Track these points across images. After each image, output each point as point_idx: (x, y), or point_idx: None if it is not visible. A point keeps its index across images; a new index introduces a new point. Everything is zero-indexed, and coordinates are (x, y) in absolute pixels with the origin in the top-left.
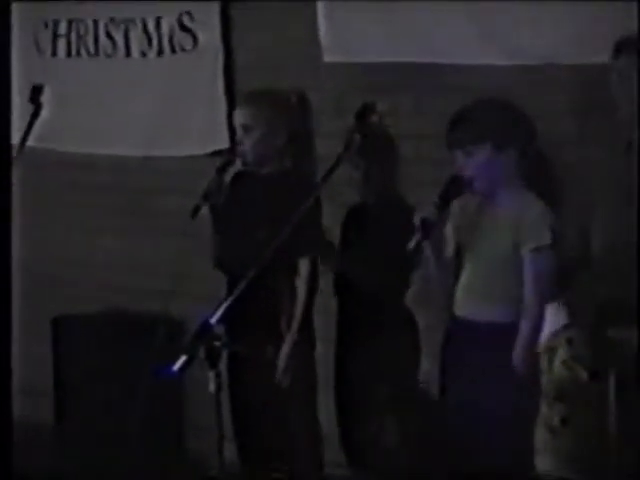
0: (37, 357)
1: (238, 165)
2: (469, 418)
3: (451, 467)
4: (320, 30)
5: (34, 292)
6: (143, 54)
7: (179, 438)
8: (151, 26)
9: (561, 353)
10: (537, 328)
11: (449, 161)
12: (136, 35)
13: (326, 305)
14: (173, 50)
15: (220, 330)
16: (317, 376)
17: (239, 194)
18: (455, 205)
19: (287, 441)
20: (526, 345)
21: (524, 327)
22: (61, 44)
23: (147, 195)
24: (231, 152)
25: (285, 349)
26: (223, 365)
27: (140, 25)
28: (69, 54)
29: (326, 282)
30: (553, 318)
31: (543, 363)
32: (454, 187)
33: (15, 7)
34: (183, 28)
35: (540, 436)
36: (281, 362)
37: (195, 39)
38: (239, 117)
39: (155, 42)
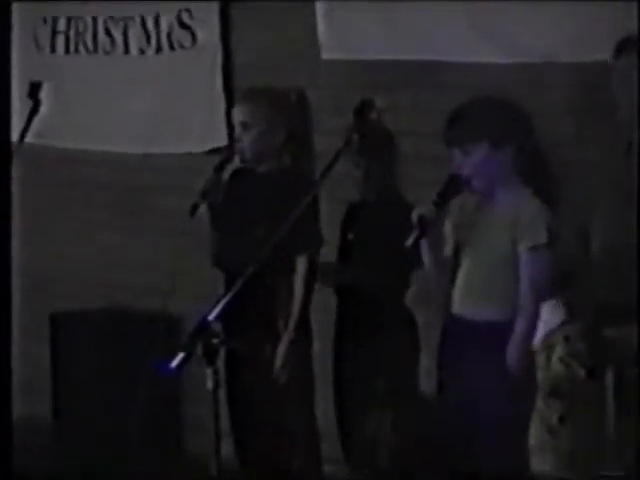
0: (35, 354)
1: (236, 163)
2: (466, 417)
3: (448, 465)
4: (319, 27)
5: (32, 289)
6: (142, 51)
7: (177, 435)
8: (150, 23)
9: (558, 350)
10: (532, 327)
11: (448, 159)
12: (135, 32)
13: (325, 303)
14: (172, 47)
15: (218, 327)
16: (314, 374)
17: (237, 192)
18: (454, 203)
19: (285, 438)
20: (521, 344)
21: (519, 326)
22: (60, 41)
23: (145, 192)
24: (229, 149)
25: (282, 347)
26: (221, 362)
27: (139, 22)
28: (68, 51)
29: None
30: (550, 316)
31: (540, 361)
32: (452, 186)
33: (15, 4)
34: (182, 25)
35: (538, 435)
36: (278, 360)
37: (194, 36)
38: (238, 115)
39: (154, 39)
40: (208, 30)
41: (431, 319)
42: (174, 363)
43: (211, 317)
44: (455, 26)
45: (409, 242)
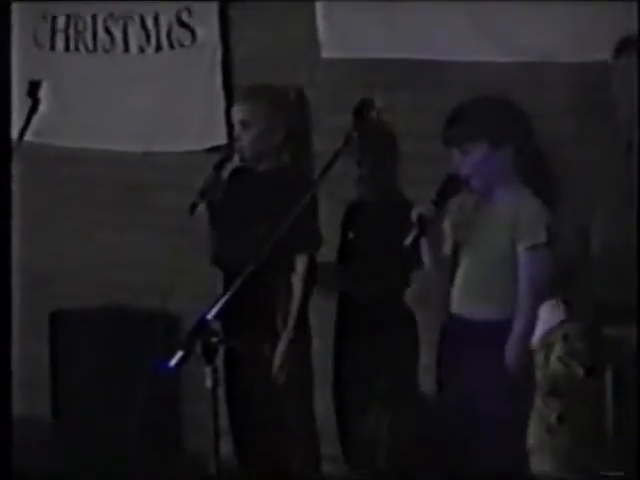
0: (34, 352)
1: (236, 161)
2: (465, 416)
3: (447, 465)
4: (319, 26)
5: (32, 287)
6: (141, 50)
7: (176, 434)
8: (150, 22)
9: (557, 349)
10: (530, 326)
11: (447, 158)
12: (134, 30)
13: (324, 302)
14: (171, 46)
15: (217, 326)
16: (313, 373)
17: (236, 190)
18: (452, 203)
19: (284, 437)
20: (519, 343)
21: (518, 325)
22: (59, 39)
23: (145, 191)
24: (229, 148)
25: (281, 346)
26: (220, 361)
27: (138, 21)
28: (67, 49)
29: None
30: (549, 315)
31: (539, 360)
32: (451, 185)
33: (14, 3)
34: (181, 24)
35: (536, 435)
36: (277, 359)
37: (193, 35)
38: (237, 113)
39: (153, 38)
40: (208, 28)
41: (430, 318)
42: (173, 362)
43: (210, 316)
44: (455, 25)
45: (408, 241)
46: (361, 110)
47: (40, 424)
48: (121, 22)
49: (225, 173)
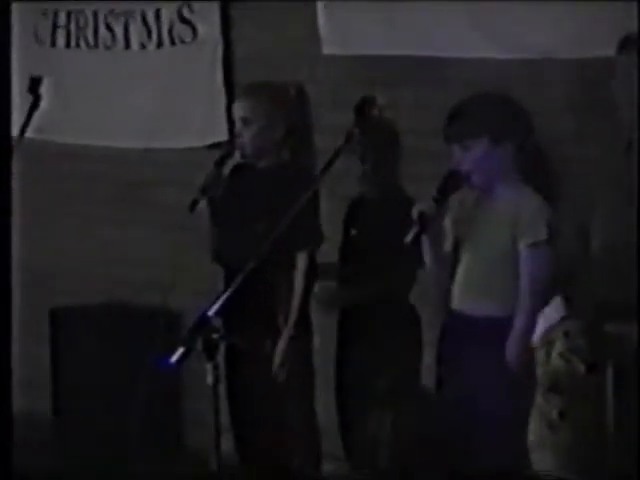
0: (34, 349)
1: (237, 158)
2: (465, 412)
3: (448, 464)
4: (319, 23)
5: (32, 284)
6: (143, 46)
7: (177, 430)
8: (151, 18)
9: (558, 346)
10: (531, 323)
11: (448, 155)
12: (135, 27)
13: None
14: (173, 42)
15: (218, 323)
16: (314, 370)
17: (237, 187)
18: (453, 199)
19: (284, 434)
20: (520, 339)
21: (518, 322)
22: (60, 35)
23: (146, 187)
24: (230, 145)
25: (282, 343)
26: (221, 358)
27: (140, 17)
28: (68, 45)
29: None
30: (550, 312)
31: (540, 356)
32: (452, 181)
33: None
34: (183, 20)
35: (537, 431)
36: (278, 356)
37: (194, 31)
38: (238, 110)
39: (155, 34)
40: (209, 25)
41: (431, 315)
42: (174, 358)
43: (211, 312)
44: (455, 22)
45: (409, 238)
46: (362, 108)
47: (40, 421)
48: (122, 18)
49: (226, 170)
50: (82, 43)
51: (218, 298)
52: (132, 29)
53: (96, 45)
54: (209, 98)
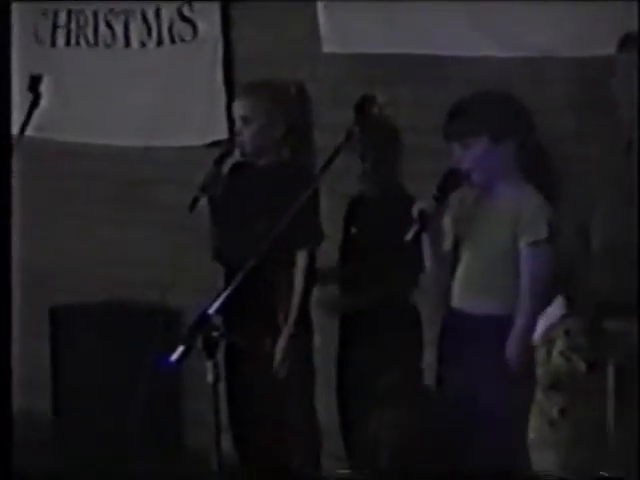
0: (34, 348)
1: (236, 156)
2: (465, 411)
3: (448, 461)
4: (320, 21)
5: (33, 283)
6: (143, 44)
7: (177, 429)
8: (151, 16)
9: (559, 344)
10: (532, 322)
11: (448, 153)
12: (136, 25)
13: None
14: (173, 40)
15: (218, 321)
16: (315, 368)
17: (237, 185)
18: (453, 197)
19: (284, 433)
20: (520, 338)
21: (519, 320)
22: (60, 34)
23: (146, 186)
24: (230, 143)
25: (282, 341)
26: (221, 356)
27: (140, 15)
28: (68, 44)
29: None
30: (551, 310)
31: (541, 354)
32: (452, 179)
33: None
34: (183, 18)
35: (538, 429)
36: (278, 354)
37: (195, 29)
38: (238, 108)
39: (155, 32)
40: (209, 23)
41: (432, 313)
42: (174, 357)
43: (211, 310)
44: (455, 20)
45: (409, 236)
46: (362, 106)
47: (40, 421)
48: (122, 17)
49: (225, 168)
50: (82, 41)
51: (218, 296)
52: (132, 27)
53: (96, 43)
54: (209, 97)
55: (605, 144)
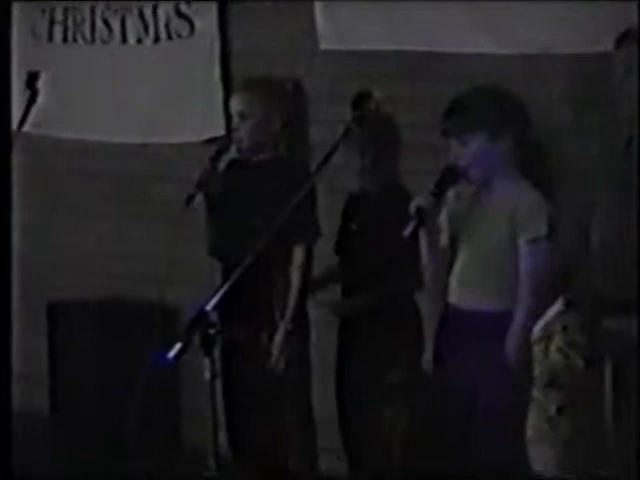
0: (33, 344)
1: (233, 152)
2: (463, 407)
3: (447, 463)
4: (317, 18)
5: (30, 279)
6: (139, 41)
7: (175, 426)
8: (148, 13)
9: (557, 340)
10: (531, 319)
11: (446, 149)
12: (133, 22)
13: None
14: (170, 37)
15: (215, 317)
16: (311, 364)
17: (234, 182)
18: (451, 194)
19: (281, 429)
20: (519, 335)
21: (518, 317)
22: (57, 31)
23: (143, 182)
24: (226, 139)
25: (279, 337)
26: (217, 351)
27: (137, 12)
28: (65, 41)
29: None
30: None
31: (539, 351)
32: (450, 176)
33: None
34: (180, 15)
35: (536, 426)
36: (275, 350)
37: (192, 25)
38: (235, 105)
39: (152, 29)
40: (206, 20)
41: (429, 309)
42: (172, 353)
43: (208, 307)
44: (453, 17)
45: (407, 232)
46: (359, 102)
47: (38, 417)
48: (119, 13)
49: (222, 164)
50: (79, 38)
51: (216, 293)
52: (129, 24)
53: (93, 40)
54: (206, 93)
55: (604, 141)
